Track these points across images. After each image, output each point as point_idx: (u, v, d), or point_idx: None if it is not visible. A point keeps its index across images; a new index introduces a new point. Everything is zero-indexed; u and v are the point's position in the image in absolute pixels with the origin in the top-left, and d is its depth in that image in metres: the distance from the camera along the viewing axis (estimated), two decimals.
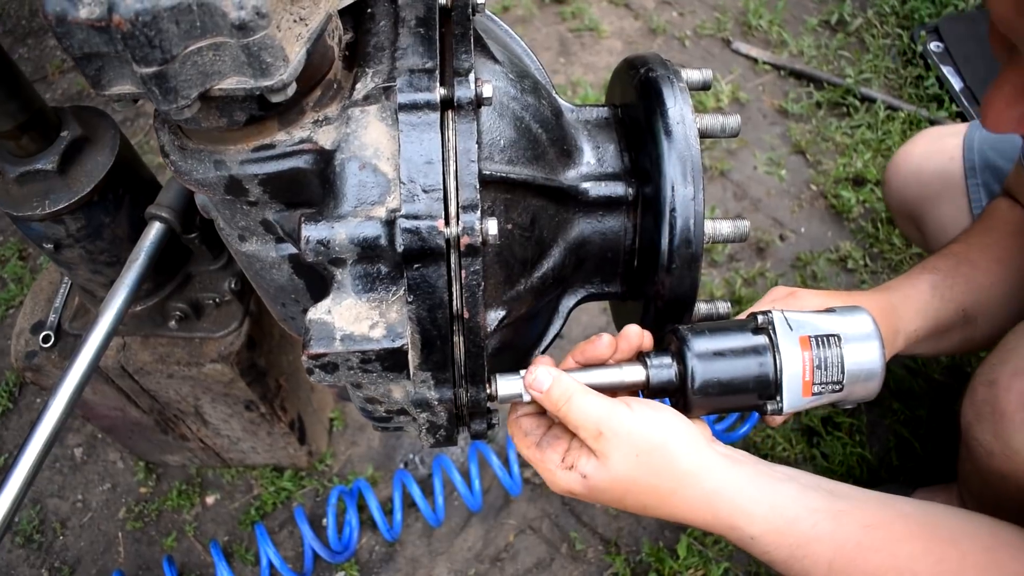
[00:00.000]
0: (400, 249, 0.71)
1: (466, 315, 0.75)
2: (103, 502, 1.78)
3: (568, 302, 0.95)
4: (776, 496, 0.84)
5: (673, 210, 0.82)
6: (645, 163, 0.86)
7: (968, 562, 0.86)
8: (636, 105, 0.89)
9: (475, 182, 0.72)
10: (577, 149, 0.90)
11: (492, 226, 0.72)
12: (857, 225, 2.11)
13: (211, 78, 0.67)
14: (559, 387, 0.81)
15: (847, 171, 2.17)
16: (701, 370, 0.83)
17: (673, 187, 0.82)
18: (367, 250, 0.73)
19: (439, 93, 0.73)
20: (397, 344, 0.73)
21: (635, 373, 0.85)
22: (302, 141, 0.76)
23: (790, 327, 0.85)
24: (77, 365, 0.98)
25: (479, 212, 0.72)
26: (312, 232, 0.72)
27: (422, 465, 1.79)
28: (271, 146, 0.76)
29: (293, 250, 0.87)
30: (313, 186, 0.78)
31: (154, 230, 1.08)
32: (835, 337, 0.85)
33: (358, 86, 0.77)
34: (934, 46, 2.41)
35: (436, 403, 0.82)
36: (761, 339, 0.85)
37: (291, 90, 0.69)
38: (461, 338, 0.77)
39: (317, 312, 0.75)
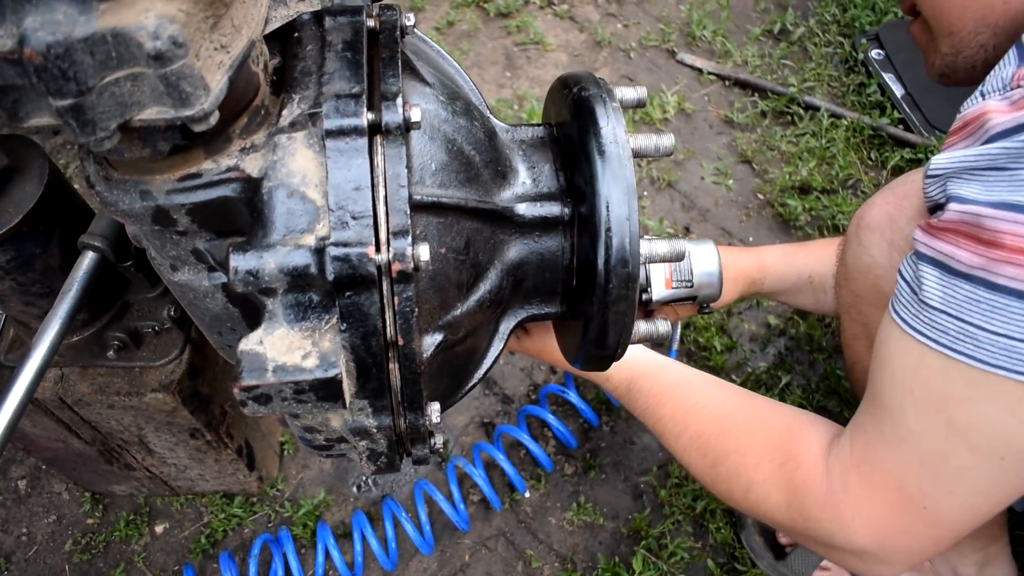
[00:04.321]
0: (330, 277, 0.70)
1: (400, 342, 0.74)
2: (49, 535, 1.74)
3: (508, 323, 0.94)
4: (631, 355, 1.24)
5: (608, 230, 0.82)
6: (580, 183, 0.86)
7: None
8: (570, 124, 0.89)
9: (406, 207, 0.72)
10: (512, 169, 0.90)
11: (424, 251, 0.71)
12: (804, 233, 2.13)
13: (130, 108, 0.65)
14: None
15: (793, 179, 2.19)
16: None
17: (608, 207, 0.82)
18: (297, 279, 0.72)
19: (366, 118, 0.72)
20: (330, 374, 0.72)
21: None
22: (229, 169, 0.75)
23: None
24: (10, 399, 0.95)
25: (410, 238, 0.71)
26: (240, 262, 0.71)
27: (375, 487, 1.77)
28: (198, 175, 0.75)
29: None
30: (242, 215, 0.77)
31: (87, 260, 1.06)
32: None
33: (284, 112, 0.75)
34: (875, 53, 2.44)
35: (375, 431, 0.81)
36: None
37: (213, 119, 0.67)
38: (397, 365, 0.76)
39: (249, 343, 0.73)
